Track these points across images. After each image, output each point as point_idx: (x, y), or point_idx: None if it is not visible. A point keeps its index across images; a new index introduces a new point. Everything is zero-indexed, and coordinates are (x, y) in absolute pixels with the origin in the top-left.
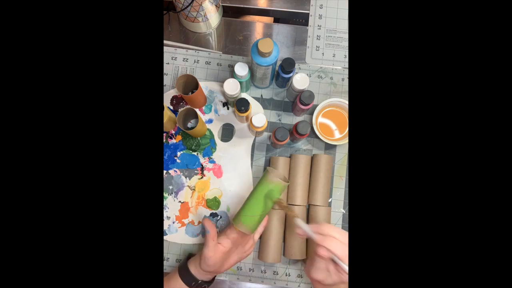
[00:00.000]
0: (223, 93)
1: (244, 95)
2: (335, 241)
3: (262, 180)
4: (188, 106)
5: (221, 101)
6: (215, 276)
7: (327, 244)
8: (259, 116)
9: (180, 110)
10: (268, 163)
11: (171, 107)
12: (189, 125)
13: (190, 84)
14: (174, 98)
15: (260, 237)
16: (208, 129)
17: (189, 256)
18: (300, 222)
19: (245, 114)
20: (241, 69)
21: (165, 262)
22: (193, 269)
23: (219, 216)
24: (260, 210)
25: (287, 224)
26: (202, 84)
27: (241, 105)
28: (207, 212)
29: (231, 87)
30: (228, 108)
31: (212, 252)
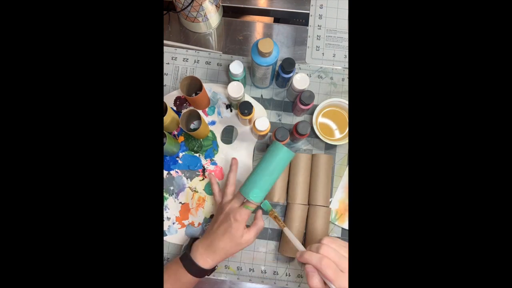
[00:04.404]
0: (227, 96)
1: (246, 97)
2: (327, 261)
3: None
4: (191, 108)
5: (225, 103)
6: (215, 268)
7: (320, 264)
8: (262, 120)
9: (183, 111)
10: None
11: (175, 108)
12: (192, 126)
13: (194, 86)
14: (177, 99)
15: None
16: (210, 131)
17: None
18: (288, 232)
19: (248, 117)
20: (238, 67)
21: (165, 262)
22: (194, 249)
23: None
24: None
25: (287, 220)
26: (206, 86)
27: (245, 108)
28: (207, 214)
29: (235, 90)
30: (231, 111)
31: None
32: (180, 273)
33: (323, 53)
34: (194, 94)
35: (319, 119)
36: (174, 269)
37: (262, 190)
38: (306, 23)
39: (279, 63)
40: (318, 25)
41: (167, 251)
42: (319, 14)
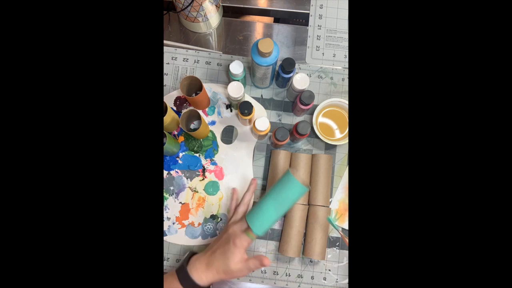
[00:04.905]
0: (227, 96)
1: (246, 97)
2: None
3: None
4: (191, 108)
5: (225, 103)
6: (210, 287)
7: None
8: (262, 120)
9: (183, 111)
10: (268, 162)
11: (175, 108)
12: (192, 126)
13: (194, 86)
14: (177, 99)
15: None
16: (210, 131)
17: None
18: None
19: (248, 117)
20: (238, 67)
21: (165, 262)
22: (191, 263)
23: (219, 219)
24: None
25: (292, 219)
26: (206, 86)
27: (245, 108)
28: (207, 214)
29: (235, 90)
30: (231, 111)
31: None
32: (174, 285)
33: (323, 53)
34: (194, 94)
35: (319, 119)
36: (169, 281)
37: (267, 223)
38: (306, 23)
39: (279, 63)
40: (318, 25)
41: (167, 251)
42: (319, 14)
